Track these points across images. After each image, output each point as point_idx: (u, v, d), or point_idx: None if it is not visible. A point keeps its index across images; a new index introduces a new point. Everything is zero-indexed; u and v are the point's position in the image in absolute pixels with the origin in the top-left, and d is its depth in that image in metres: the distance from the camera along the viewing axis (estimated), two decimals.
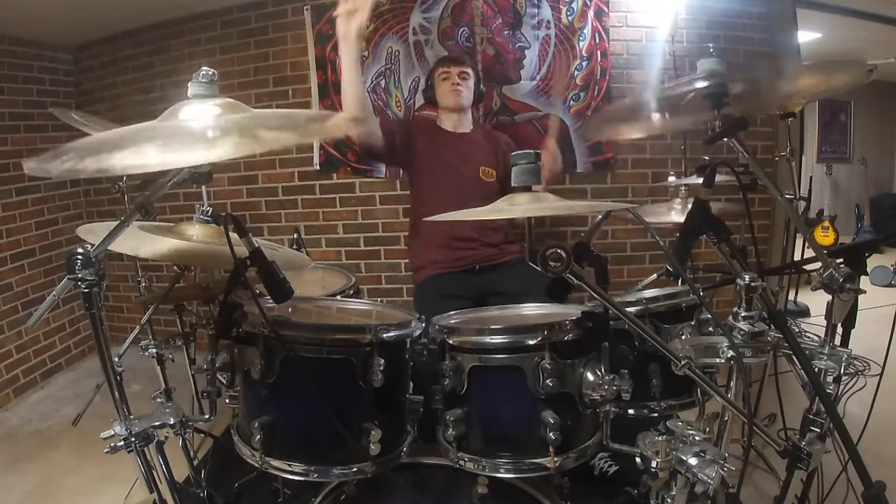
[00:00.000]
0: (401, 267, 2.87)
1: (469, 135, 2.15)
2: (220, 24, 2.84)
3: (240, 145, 0.71)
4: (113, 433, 0.98)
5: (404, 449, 1.08)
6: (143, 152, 0.72)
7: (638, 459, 0.93)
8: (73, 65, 3.13)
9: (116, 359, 1.06)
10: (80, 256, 0.83)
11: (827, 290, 0.95)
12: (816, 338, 1.95)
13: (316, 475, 0.99)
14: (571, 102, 2.65)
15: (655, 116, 1.15)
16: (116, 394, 0.97)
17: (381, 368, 0.98)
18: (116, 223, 0.88)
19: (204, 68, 0.87)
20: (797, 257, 2.23)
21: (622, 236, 2.80)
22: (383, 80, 2.69)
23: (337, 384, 1.01)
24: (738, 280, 0.92)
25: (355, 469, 1.00)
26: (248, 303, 1.03)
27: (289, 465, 0.99)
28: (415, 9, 2.63)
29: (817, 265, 0.97)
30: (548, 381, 0.95)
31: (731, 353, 0.91)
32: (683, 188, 1.81)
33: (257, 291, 0.98)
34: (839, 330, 1.01)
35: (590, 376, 0.99)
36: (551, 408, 0.97)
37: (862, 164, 5.46)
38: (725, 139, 0.96)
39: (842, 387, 1.11)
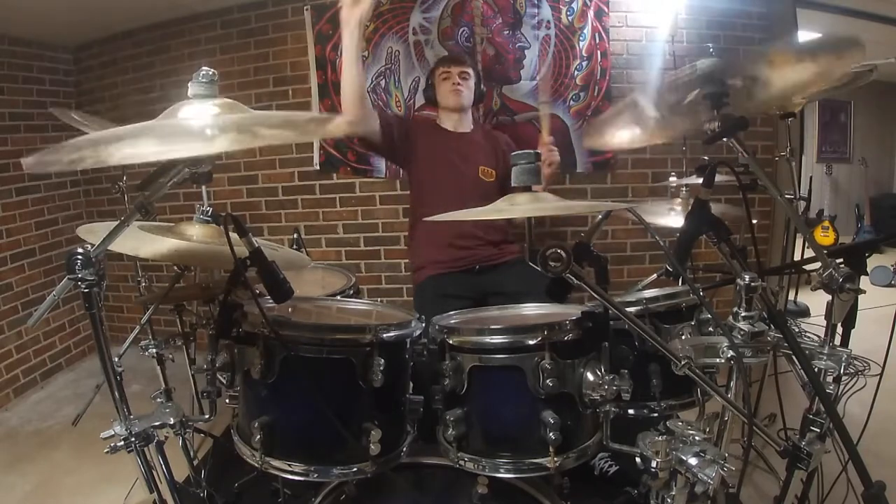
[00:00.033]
0: (401, 267, 2.87)
1: (469, 135, 2.15)
2: (220, 24, 2.84)
3: (238, 140, 0.71)
4: (113, 433, 0.98)
5: (404, 449, 1.08)
6: (140, 145, 0.72)
7: (638, 459, 0.93)
8: (73, 65, 3.13)
9: (116, 359, 1.06)
10: (80, 256, 0.83)
11: (827, 290, 0.95)
12: (816, 338, 1.95)
13: (316, 475, 0.99)
14: (571, 102, 2.65)
15: (655, 121, 1.14)
16: (116, 394, 0.97)
17: (381, 368, 0.98)
18: (116, 223, 0.88)
19: (204, 68, 0.87)
20: (797, 257, 2.23)
21: (622, 236, 2.80)
22: (383, 80, 2.69)
23: (337, 384, 1.01)
24: (738, 280, 0.92)
25: (355, 469, 1.00)
26: (248, 303, 1.03)
27: (289, 465, 0.99)
28: (415, 9, 2.63)
29: (817, 265, 0.96)
30: (548, 381, 0.95)
31: (731, 353, 0.91)
32: (685, 188, 1.81)
33: (257, 291, 0.98)
34: (839, 330, 1.01)
35: (590, 376, 0.99)
36: (551, 408, 0.97)
37: (862, 164, 5.46)
38: (725, 139, 0.96)
39: (842, 387, 1.11)
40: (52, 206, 2.98)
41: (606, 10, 2.61)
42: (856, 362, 2.13)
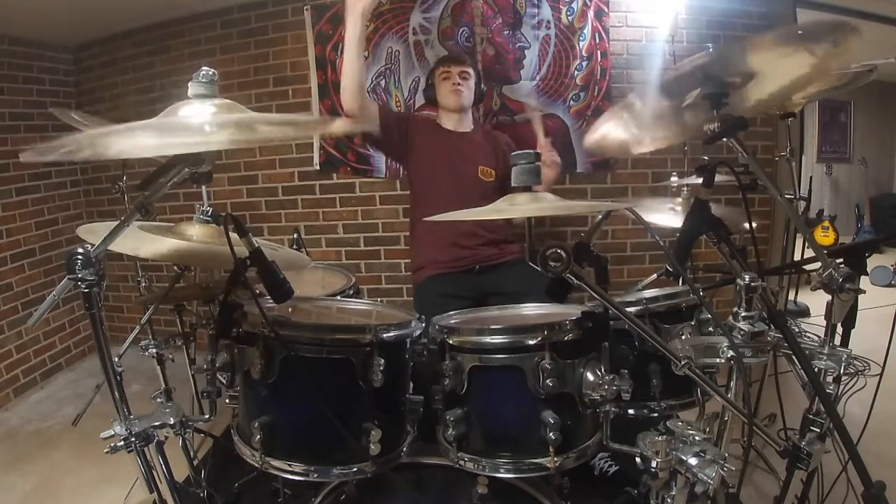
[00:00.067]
0: (401, 267, 2.87)
1: (469, 134, 2.15)
2: (220, 24, 2.84)
3: (236, 136, 0.71)
4: (113, 433, 0.98)
5: (404, 449, 1.08)
6: (137, 138, 0.72)
7: (638, 459, 0.93)
8: (73, 65, 3.13)
9: (116, 359, 1.06)
10: (80, 256, 0.83)
11: (827, 290, 0.95)
12: (816, 338, 1.94)
13: (316, 475, 0.99)
14: (571, 102, 2.65)
15: (655, 123, 1.14)
16: (116, 394, 0.97)
17: (381, 368, 0.98)
18: (116, 223, 0.88)
19: (204, 68, 0.87)
20: (797, 257, 2.23)
21: (622, 236, 2.80)
22: (383, 80, 2.69)
23: (337, 384, 1.01)
24: (738, 280, 0.92)
25: (355, 469, 1.00)
26: (248, 303, 1.03)
27: (289, 465, 0.99)
28: (415, 9, 2.63)
29: (817, 265, 0.96)
30: (548, 381, 0.95)
31: (731, 353, 0.91)
32: (686, 188, 1.81)
33: (257, 291, 0.98)
34: (839, 330, 1.01)
35: (590, 376, 0.99)
36: (551, 408, 0.97)
37: (862, 164, 5.46)
38: (725, 139, 0.96)
39: (842, 387, 1.11)
40: (52, 206, 2.98)
41: (606, 10, 2.60)
42: (856, 362, 2.12)
